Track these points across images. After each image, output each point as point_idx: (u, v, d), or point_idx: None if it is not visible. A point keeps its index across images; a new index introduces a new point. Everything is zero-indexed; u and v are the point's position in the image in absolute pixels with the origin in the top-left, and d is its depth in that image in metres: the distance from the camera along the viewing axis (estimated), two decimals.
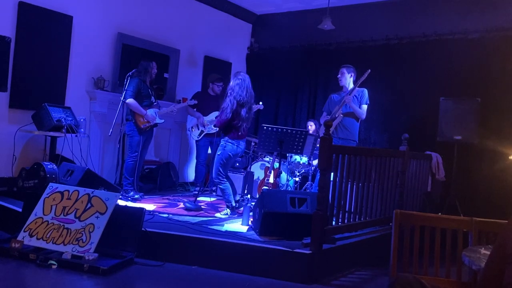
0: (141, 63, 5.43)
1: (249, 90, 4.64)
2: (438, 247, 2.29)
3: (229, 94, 4.59)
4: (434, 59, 6.13)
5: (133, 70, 5.34)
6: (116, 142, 5.87)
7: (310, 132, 6.17)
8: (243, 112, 4.57)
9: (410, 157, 4.75)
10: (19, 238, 3.56)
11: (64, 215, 3.67)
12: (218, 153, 4.70)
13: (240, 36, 8.08)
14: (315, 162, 5.74)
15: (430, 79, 6.13)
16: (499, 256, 1.35)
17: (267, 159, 6.32)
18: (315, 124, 6.39)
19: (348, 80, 5.28)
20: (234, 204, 4.72)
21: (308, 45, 7.40)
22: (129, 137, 5.47)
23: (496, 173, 5.37)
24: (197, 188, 5.99)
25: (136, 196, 5.26)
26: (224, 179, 4.73)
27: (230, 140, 4.65)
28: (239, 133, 4.64)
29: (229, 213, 4.71)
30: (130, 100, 5.21)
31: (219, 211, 4.82)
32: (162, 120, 5.57)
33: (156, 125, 5.57)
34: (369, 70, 4.99)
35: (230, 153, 4.66)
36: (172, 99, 6.93)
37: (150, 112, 5.37)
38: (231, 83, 4.66)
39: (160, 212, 4.62)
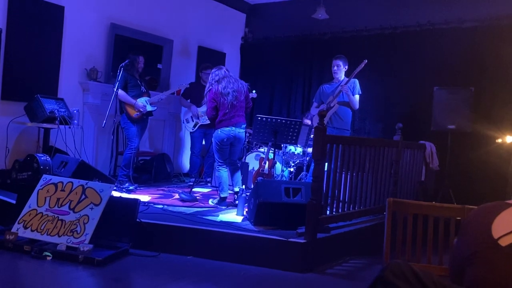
0: (129, 56, 5.40)
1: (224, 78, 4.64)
2: (431, 235, 2.31)
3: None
4: (428, 48, 6.13)
5: (126, 61, 5.32)
6: (110, 134, 5.84)
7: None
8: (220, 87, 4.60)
9: (404, 146, 4.77)
10: (13, 230, 3.55)
11: (58, 207, 3.66)
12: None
13: (234, 26, 8.03)
14: (309, 149, 5.75)
15: (424, 69, 6.13)
16: (460, 256, 1.29)
17: (262, 149, 6.32)
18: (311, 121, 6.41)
19: (343, 72, 5.30)
20: (222, 196, 4.72)
21: (303, 35, 7.38)
22: (124, 130, 5.47)
23: (490, 163, 5.41)
24: (192, 179, 5.99)
25: (131, 188, 5.26)
26: (219, 166, 4.76)
27: (216, 128, 4.70)
28: (221, 120, 4.63)
29: (215, 202, 4.74)
30: (118, 91, 5.21)
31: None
32: (154, 108, 5.55)
33: (150, 114, 5.56)
34: (366, 61, 4.98)
35: (215, 140, 4.69)
36: (166, 90, 6.89)
37: (140, 100, 5.36)
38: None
39: (155, 203, 4.63)
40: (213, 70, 4.74)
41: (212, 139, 4.77)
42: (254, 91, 5.83)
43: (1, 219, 3.95)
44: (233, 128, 4.63)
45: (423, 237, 2.30)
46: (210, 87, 4.63)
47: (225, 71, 4.67)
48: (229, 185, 4.90)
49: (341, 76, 5.30)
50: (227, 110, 4.58)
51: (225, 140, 4.63)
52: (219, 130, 4.62)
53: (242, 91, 4.67)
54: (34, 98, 4.94)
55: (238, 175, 4.86)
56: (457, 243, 1.37)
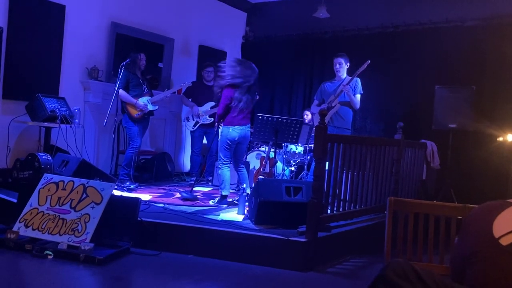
0: (130, 55, 5.40)
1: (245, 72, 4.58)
2: (432, 234, 2.30)
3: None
4: (429, 47, 6.12)
5: (127, 60, 5.32)
6: (111, 133, 5.84)
7: (307, 121, 6.18)
8: (237, 94, 4.54)
9: (405, 145, 4.76)
10: (15, 228, 3.55)
11: (59, 206, 3.67)
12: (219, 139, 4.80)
13: (235, 25, 8.02)
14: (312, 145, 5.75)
15: (425, 67, 6.12)
16: (461, 256, 1.29)
17: (262, 148, 6.32)
18: (312, 114, 6.39)
19: (345, 69, 5.29)
20: (223, 194, 4.72)
21: (304, 34, 7.37)
22: (126, 129, 5.47)
23: (491, 162, 5.39)
24: (193, 178, 6.00)
25: (132, 186, 5.26)
26: (223, 165, 4.73)
27: (224, 126, 4.66)
28: (233, 117, 4.61)
29: (215, 201, 4.73)
30: (119, 91, 5.21)
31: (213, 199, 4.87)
32: (156, 107, 5.55)
33: (151, 113, 5.56)
34: (369, 61, 4.97)
35: (225, 138, 4.64)
36: (167, 89, 6.88)
37: (142, 100, 5.36)
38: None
39: (156, 202, 4.63)
40: (234, 61, 4.67)
41: (220, 137, 4.74)
42: (256, 94, 5.82)
43: (2, 218, 3.96)
44: (243, 126, 4.67)
45: (424, 236, 2.30)
46: (229, 87, 4.56)
47: (250, 72, 4.58)
48: (231, 183, 4.90)
49: (344, 74, 5.29)
50: (235, 115, 4.62)
51: (235, 138, 4.65)
52: (230, 128, 4.61)
53: (253, 99, 4.73)
54: (35, 97, 4.94)
55: (246, 174, 4.90)
56: (458, 242, 1.37)
